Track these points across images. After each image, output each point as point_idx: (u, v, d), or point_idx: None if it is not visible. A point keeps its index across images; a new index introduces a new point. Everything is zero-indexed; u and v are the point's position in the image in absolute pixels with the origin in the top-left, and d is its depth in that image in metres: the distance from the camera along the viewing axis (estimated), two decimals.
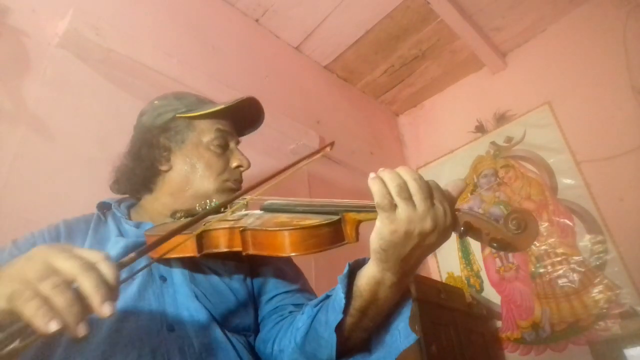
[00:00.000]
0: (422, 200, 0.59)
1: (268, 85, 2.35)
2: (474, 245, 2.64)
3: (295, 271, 1.03)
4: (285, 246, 0.68)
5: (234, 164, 0.98)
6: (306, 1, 2.41)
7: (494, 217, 0.72)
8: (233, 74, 2.15)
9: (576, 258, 2.24)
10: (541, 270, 2.34)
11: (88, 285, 0.46)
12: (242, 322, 0.87)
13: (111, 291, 0.48)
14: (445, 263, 2.71)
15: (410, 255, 0.63)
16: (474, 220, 0.64)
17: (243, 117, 1.03)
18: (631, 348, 2.00)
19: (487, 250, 2.57)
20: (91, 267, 0.48)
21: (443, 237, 0.63)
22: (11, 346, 0.43)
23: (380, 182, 0.60)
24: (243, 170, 0.99)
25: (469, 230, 0.63)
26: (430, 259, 2.78)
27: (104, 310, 0.46)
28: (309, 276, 1.05)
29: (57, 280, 0.46)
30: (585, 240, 2.24)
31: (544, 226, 2.38)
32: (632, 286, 2.06)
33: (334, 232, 0.67)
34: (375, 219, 0.63)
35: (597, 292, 2.14)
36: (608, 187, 2.24)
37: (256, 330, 0.91)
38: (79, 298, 0.46)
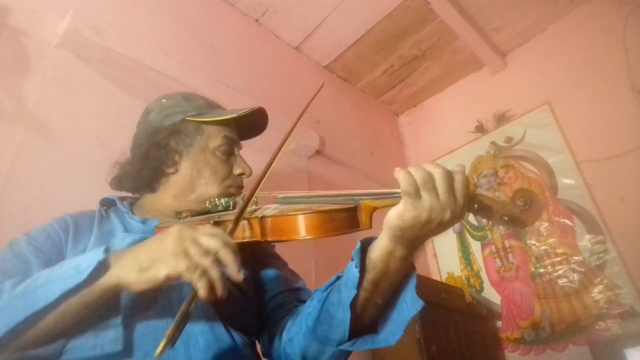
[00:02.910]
0: (446, 193, 0.64)
1: (268, 85, 2.35)
2: (474, 245, 2.64)
3: (294, 274, 1.05)
4: (304, 229, 0.71)
5: (237, 171, 0.98)
6: (306, 1, 2.41)
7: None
8: (233, 74, 2.15)
9: (576, 258, 2.24)
10: (541, 270, 2.34)
11: (229, 258, 0.62)
12: (247, 321, 0.88)
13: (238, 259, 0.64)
14: (445, 263, 2.71)
15: (424, 235, 0.68)
16: (485, 199, 0.70)
17: (248, 124, 1.03)
18: (631, 348, 2.00)
19: (487, 250, 2.58)
20: (226, 242, 0.64)
21: (455, 222, 0.68)
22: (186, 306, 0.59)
23: (407, 172, 0.64)
24: (245, 178, 1.00)
25: (481, 208, 0.70)
26: (430, 259, 2.79)
27: (240, 275, 0.62)
28: (309, 276, 1.06)
29: (212, 256, 0.61)
30: (585, 240, 2.24)
31: (544, 226, 2.38)
32: (632, 286, 2.06)
33: (350, 218, 0.72)
34: (389, 206, 0.68)
35: (597, 292, 2.14)
36: (608, 187, 2.24)
37: (260, 330, 0.93)
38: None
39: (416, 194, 0.63)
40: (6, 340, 0.60)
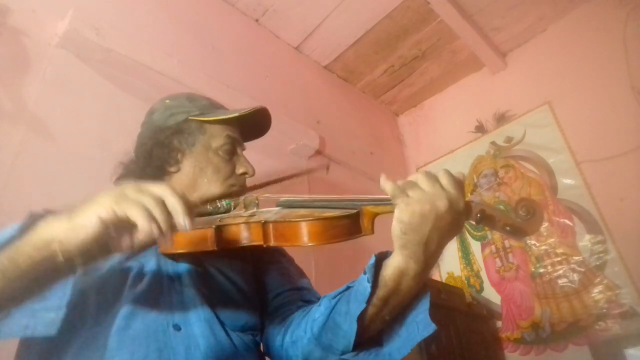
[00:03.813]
0: (430, 184, 0.66)
1: (268, 85, 2.35)
2: (474, 245, 2.64)
3: (299, 271, 1.05)
4: (307, 236, 0.71)
5: (240, 170, 0.98)
6: (306, 1, 2.41)
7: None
8: (233, 74, 2.15)
9: (576, 258, 2.24)
10: (541, 270, 2.34)
11: (174, 202, 0.59)
12: (249, 321, 0.88)
13: (188, 209, 0.59)
14: (445, 263, 2.71)
15: (429, 239, 0.67)
16: (488, 208, 0.70)
17: (251, 125, 1.03)
18: (631, 348, 2.00)
19: (487, 250, 2.58)
20: (175, 191, 0.60)
21: (457, 222, 0.68)
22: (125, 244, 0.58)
23: (391, 180, 0.68)
24: (248, 177, 1.00)
25: (484, 217, 0.70)
26: None
27: (186, 222, 0.58)
28: (309, 276, 1.05)
29: (155, 197, 0.58)
30: (585, 240, 2.24)
31: (544, 226, 2.38)
32: (632, 286, 2.06)
33: (352, 224, 0.72)
34: (390, 211, 0.69)
35: (597, 292, 2.14)
36: (608, 187, 2.24)
37: (262, 329, 0.92)
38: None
39: (403, 192, 0.66)
40: None
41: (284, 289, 0.96)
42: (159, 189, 0.60)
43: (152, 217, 0.56)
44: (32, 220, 0.61)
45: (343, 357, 0.77)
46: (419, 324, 0.74)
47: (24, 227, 0.61)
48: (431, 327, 0.73)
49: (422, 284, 0.73)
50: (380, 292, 0.71)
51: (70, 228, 0.56)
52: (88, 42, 1.57)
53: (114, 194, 0.58)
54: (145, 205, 0.57)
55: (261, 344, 0.92)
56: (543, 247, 2.36)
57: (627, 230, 2.13)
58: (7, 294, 0.57)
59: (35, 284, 0.59)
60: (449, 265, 2.69)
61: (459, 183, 0.68)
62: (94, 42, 1.57)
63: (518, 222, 0.70)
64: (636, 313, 2.02)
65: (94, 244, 0.56)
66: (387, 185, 0.67)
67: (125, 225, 0.56)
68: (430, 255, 0.69)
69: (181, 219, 0.58)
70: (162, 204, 0.58)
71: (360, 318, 0.71)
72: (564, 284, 2.25)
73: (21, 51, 1.47)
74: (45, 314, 0.61)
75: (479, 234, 2.64)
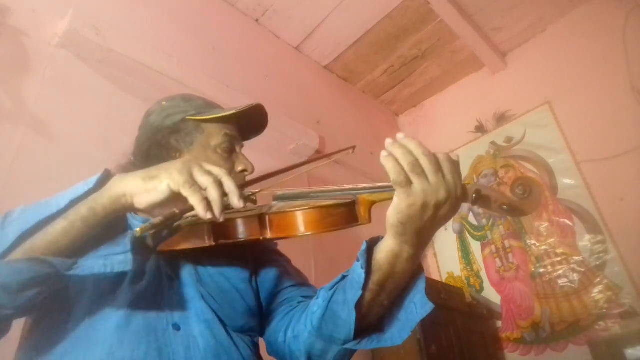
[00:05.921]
0: (434, 173, 0.64)
1: (268, 85, 2.36)
2: (474, 245, 2.64)
3: (297, 270, 1.05)
4: (303, 225, 0.71)
5: (239, 167, 0.98)
6: (306, 1, 2.41)
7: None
8: (233, 74, 2.15)
9: (576, 258, 2.25)
10: (541, 270, 2.34)
11: (231, 185, 0.66)
12: (248, 322, 0.88)
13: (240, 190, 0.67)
14: (445, 263, 2.71)
15: (425, 226, 0.66)
16: (483, 189, 0.69)
17: (248, 122, 1.04)
18: (631, 348, 2.00)
19: (487, 250, 2.58)
20: (228, 175, 0.67)
21: (454, 207, 0.67)
22: (177, 222, 0.67)
23: (394, 160, 0.64)
24: (247, 175, 1.00)
25: (479, 198, 0.68)
26: (430, 259, 2.79)
27: (241, 203, 0.65)
28: (309, 275, 1.06)
29: (213, 177, 0.66)
30: (585, 240, 2.25)
31: (544, 226, 2.38)
32: (632, 286, 2.06)
33: (348, 212, 0.71)
34: (387, 199, 0.68)
35: (597, 292, 2.14)
36: (608, 187, 2.24)
37: (261, 330, 0.93)
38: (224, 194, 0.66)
39: (407, 182, 0.63)
40: (17, 246, 0.65)
41: (283, 286, 0.96)
42: (218, 171, 0.67)
43: (209, 207, 0.63)
44: (107, 175, 0.72)
45: (345, 346, 0.77)
46: (417, 304, 0.74)
47: (100, 181, 0.70)
48: (429, 306, 0.73)
49: (417, 265, 0.73)
50: (375, 276, 0.71)
51: (143, 188, 0.66)
52: (88, 42, 1.57)
53: (185, 170, 0.65)
54: (206, 189, 0.64)
55: (259, 345, 0.92)
56: (543, 247, 2.36)
57: (627, 230, 2.13)
58: (87, 239, 0.68)
59: (108, 231, 0.69)
60: (449, 265, 2.69)
61: (458, 168, 0.67)
62: (94, 42, 1.57)
63: (515, 200, 0.69)
64: (636, 313, 2.02)
65: (157, 207, 0.66)
66: (388, 164, 0.63)
67: (183, 201, 0.64)
68: (424, 238, 0.69)
69: (236, 199, 0.65)
70: (221, 186, 0.65)
71: (359, 305, 0.71)
72: (564, 284, 2.25)
73: (21, 51, 1.47)
74: (116, 257, 0.69)
75: (479, 234, 2.64)
